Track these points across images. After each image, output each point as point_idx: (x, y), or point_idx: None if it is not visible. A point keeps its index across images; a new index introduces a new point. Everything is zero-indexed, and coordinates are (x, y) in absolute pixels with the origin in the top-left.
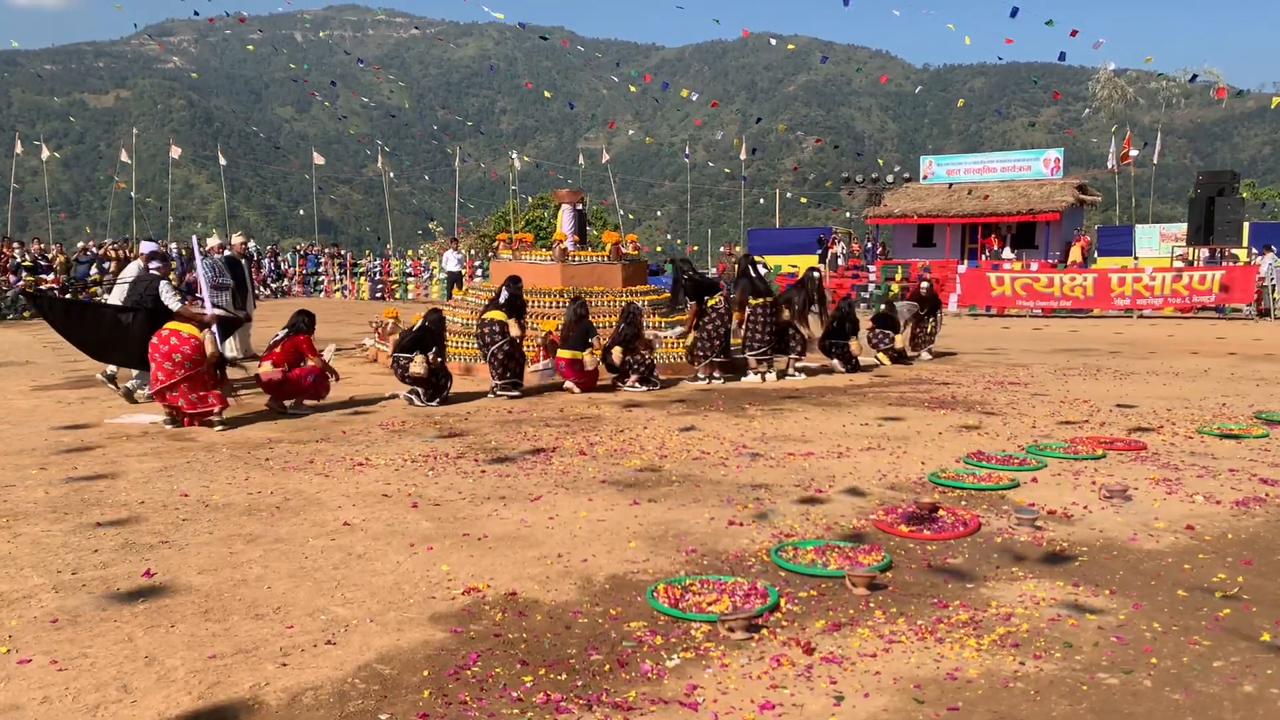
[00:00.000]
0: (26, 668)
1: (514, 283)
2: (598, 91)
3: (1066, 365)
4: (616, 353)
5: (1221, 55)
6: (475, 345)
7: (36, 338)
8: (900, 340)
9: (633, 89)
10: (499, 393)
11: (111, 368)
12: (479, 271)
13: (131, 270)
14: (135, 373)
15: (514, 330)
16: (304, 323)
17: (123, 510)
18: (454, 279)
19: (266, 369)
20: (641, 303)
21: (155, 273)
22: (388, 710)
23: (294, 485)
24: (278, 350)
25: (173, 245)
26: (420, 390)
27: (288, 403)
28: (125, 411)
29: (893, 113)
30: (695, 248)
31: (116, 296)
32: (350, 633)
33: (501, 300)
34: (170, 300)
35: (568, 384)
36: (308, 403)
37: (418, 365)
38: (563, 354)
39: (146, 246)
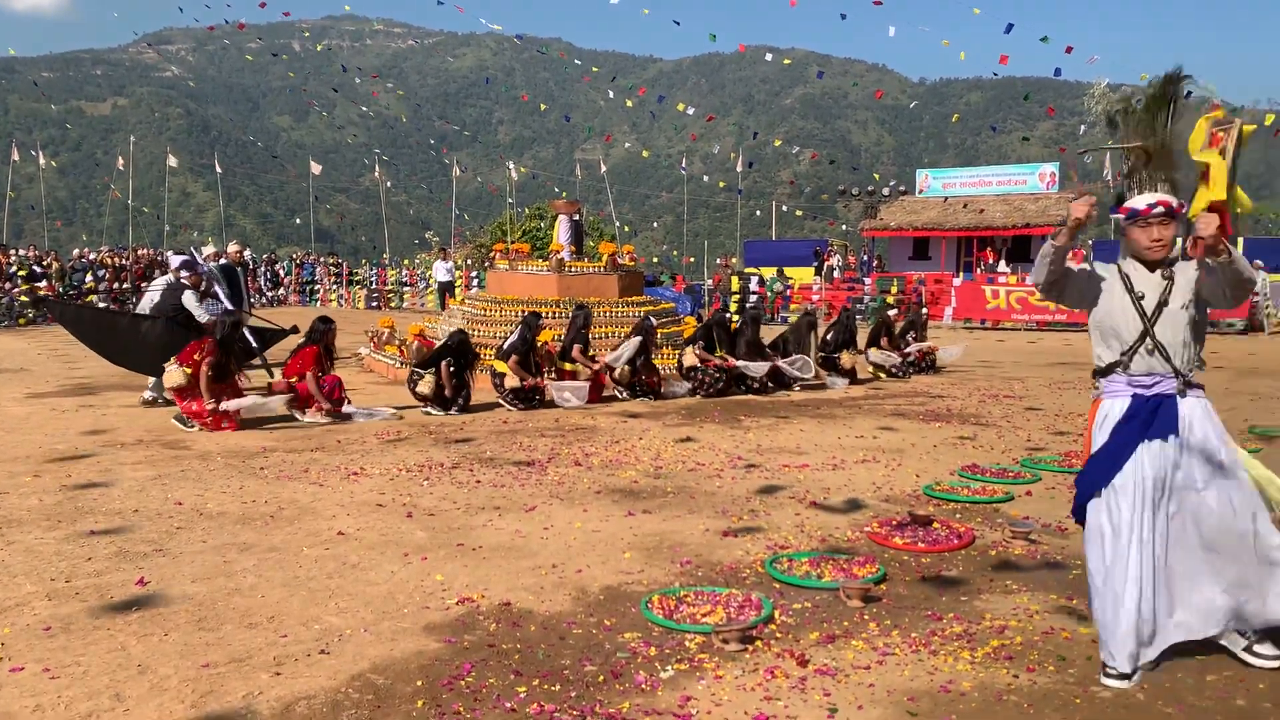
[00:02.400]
0: (19, 675)
1: (528, 321)
2: (595, 103)
3: (1061, 379)
4: (625, 371)
5: (1216, 72)
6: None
7: (33, 344)
8: (877, 353)
9: (629, 102)
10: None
11: (150, 393)
12: (475, 282)
13: (160, 282)
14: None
15: (510, 381)
16: (318, 332)
17: (117, 518)
18: (445, 289)
19: (277, 379)
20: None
21: (184, 281)
22: None
23: (288, 494)
24: (289, 362)
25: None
26: (429, 401)
27: (345, 408)
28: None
29: (889, 126)
30: (691, 259)
31: (146, 304)
32: (344, 642)
33: (505, 346)
34: (196, 310)
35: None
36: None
37: (424, 386)
38: (565, 366)
39: (175, 259)
